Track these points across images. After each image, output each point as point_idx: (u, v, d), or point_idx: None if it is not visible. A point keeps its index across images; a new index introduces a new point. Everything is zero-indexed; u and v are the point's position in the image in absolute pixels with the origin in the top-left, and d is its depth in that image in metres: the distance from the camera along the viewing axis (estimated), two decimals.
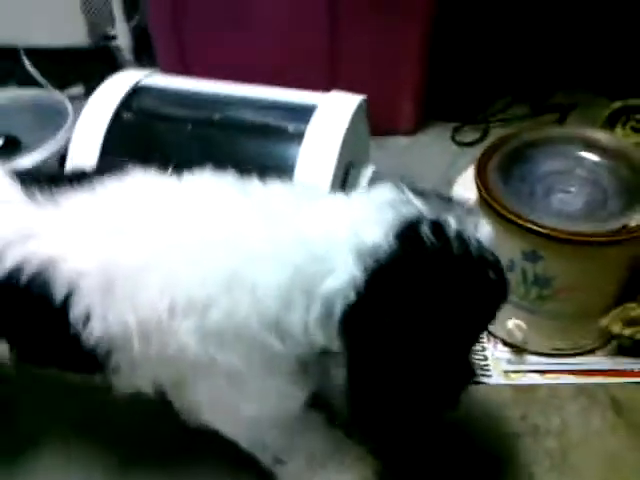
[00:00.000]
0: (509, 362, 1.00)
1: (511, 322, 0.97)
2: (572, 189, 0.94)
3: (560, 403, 0.94)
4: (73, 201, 0.64)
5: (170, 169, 0.68)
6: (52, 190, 0.65)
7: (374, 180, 1.04)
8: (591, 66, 1.68)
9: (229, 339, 0.59)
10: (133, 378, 0.65)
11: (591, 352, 1.00)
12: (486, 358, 1.00)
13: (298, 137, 0.90)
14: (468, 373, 0.65)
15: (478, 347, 1.02)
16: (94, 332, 0.61)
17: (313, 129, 0.89)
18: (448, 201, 0.61)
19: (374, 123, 1.45)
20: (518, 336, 0.97)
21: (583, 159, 0.97)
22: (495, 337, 1.02)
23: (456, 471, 0.86)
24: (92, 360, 0.63)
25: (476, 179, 0.92)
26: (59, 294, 0.61)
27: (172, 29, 1.33)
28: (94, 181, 0.65)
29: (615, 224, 0.85)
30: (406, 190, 0.60)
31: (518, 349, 1.00)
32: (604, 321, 0.94)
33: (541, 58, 1.69)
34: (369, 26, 1.32)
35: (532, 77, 1.66)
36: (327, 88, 1.03)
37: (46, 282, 0.61)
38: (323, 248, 0.58)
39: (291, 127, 0.93)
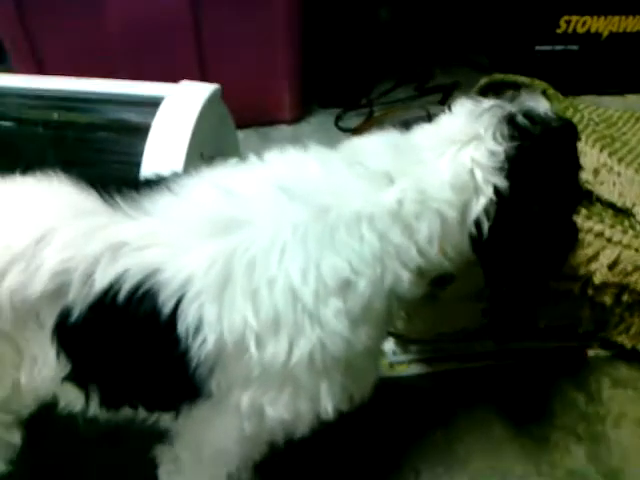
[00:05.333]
0: (394, 354, 0.96)
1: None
2: None
3: (446, 391, 0.92)
4: (159, 205, 0.57)
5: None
6: (131, 196, 0.57)
7: None
8: (469, 43, 1.69)
9: (370, 312, 0.58)
10: (223, 404, 0.59)
11: (474, 336, 0.98)
12: None
13: (145, 130, 0.83)
14: (575, 232, 0.73)
15: None
16: (207, 342, 0.54)
17: (160, 121, 0.82)
18: (508, 98, 0.68)
19: (255, 114, 1.41)
20: (399, 325, 0.94)
21: None
22: None
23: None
24: (188, 387, 0.57)
25: None
26: (166, 305, 0.54)
27: (18, 24, 1.22)
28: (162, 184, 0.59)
29: None
30: (477, 98, 0.67)
31: (402, 339, 0.97)
32: None
33: (421, 39, 1.68)
34: (236, 17, 1.26)
35: (415, 59, 1.65)
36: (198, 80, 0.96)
37: (149, 295, 0.54)
38: (460, 180, 0.61)
39: (139, 120, 0.86)
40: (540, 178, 0.64)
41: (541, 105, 0.68)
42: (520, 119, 0.64)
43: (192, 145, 0.82)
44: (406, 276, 0.60)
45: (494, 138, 0.62)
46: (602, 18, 1.47)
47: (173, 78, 0.95)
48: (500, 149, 0.61)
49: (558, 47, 1.50)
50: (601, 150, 0.92)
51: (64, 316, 0.55)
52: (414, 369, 0.95)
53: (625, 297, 0.89)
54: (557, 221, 0.67)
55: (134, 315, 0.54)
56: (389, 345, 0.96)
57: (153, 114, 0.84)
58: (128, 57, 1.24)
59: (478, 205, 0.62)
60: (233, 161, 0.65)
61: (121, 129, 0.88)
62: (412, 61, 1.64)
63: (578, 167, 0.72)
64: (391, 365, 0.95)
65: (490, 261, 0.66)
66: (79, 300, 0.54)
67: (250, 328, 0.54)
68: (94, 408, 0.61)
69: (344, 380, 0.60)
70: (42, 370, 0.58)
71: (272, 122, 1.45)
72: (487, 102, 0.67)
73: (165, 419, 0.64)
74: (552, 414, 0.90)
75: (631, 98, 1.54)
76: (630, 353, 0.95)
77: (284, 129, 1.47)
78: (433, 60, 1.65)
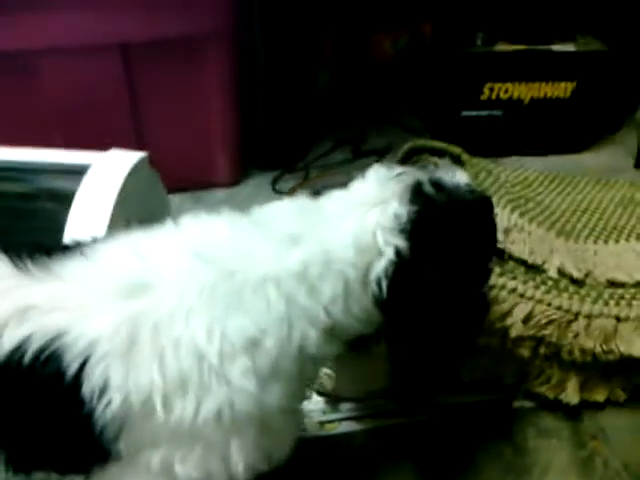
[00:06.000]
0: (324, 412, 0.97)
1: (320, 372, 0.95)
2: None
3: (376, 447, 0.93)
4: (68, 269, 0.58)
5: None
6: (43, 260, 0.59)
7: None
8: (403, 107, 1.78)
9: (279, 370, 0.59)
10: (133, 464, 0.59)
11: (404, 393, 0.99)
12: None
13: (71, 198, 0.84)
14: (485, 304, 0.76)
15: None
16: (112, 403, 0.54)
17: (85, 189, 0.84)
18: (421, 167, 0.71)
19: (192, 178, 1.43)
20: (328, 385, 0.95)
21: None
22: None
23: None
24: (97, 449, 0.57)
25: None
26: (70, 367, 0.54)
27: None
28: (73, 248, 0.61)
29: None
30: (391, 165, 0.69)
31: (331, 398, 0.98)
32: None
33: (357, 102, 1.75)
34: (170, 85, 1.31)
35: (351, 122, 1.72)
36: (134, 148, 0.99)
37: (53, 357, 0.54)
38: (363, 241, 0.63)
39: (65, 188, 0.87)
40: (442, 245, 0.66)
41: (458, 176, 0.70)
42: (426, 187, 0.66)
43: (116, 212, 0.84)
44: (314, 335, 0.61)
45: (399, 202, 0.64)
46: (523, 85, 1.57)
47: (109, 145, 0.98)
48: (403, 212, 0.64)
49: (483, 112, 1.59)
50: (512, 211, 0.97)
51: None
52: (345, 427, 0.95)
53: (542, 349, 0.92)
54: (459, 289, 0.69)
55: (39, 377, 0.55)
56: (319, 404, 0.97)
57: (79, 182, 0.86)
58: (63, 125, 1.25)
59: (379, 265, 0.63)
60: (150, 226, 0.67)
61: (48, 197, 0.90)
62: (348, 124, 1.71)
63: (492, 242, 0.74)
64: (321, 424, 0.95)
65: (388, 320, 0.67)
66: None
67: (157, 388, 0.55)
68: (2, 474, 0.60)
69: (257, 439, 0.60)
70: None
71: (209, 185, 1.48)
72: (399, 169, 0.69)
73: None
74: (479, 467, 0.91)
75: (551, 159, 1.63)
76: (554, 403, 0.98)
77: (218, 192, 1.49)
78: (368, 123, 1.72)
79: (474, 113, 1.58)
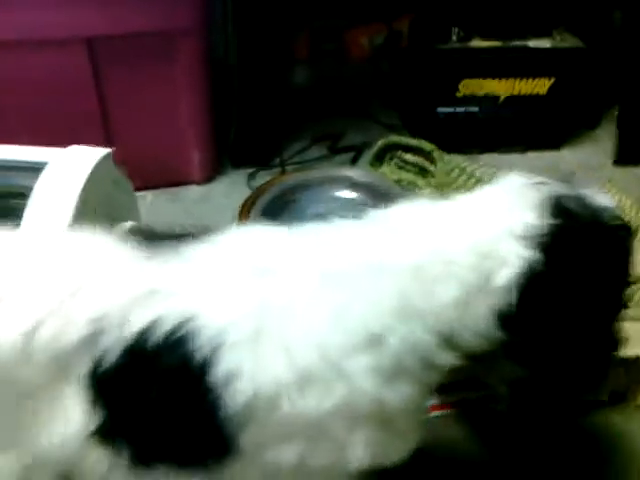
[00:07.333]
0: None
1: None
2: None
3: None
4: (196, 253, 0.58)
5: None
6: (165, 245, 0.58)
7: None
8: (380, 104, 1.76)
9: (402, 372, 0.57)
10: (253, 461, 0.58)
11: None
12: None
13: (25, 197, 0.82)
14: (615, 341, 0.68)
15: None
16: (240, 393, 0.53)
17: (41, 188, 0.81)
18: (564, 181, 0.64)
19: (165, 175, 1.42)
20: None
21: (342, 198, 0.97)
22: None
23: None
24: (218, 441, 0.56)
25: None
26: (199, 353, 0.53)
27: None
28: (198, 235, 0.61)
29: None
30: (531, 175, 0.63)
31: None
32: None
33: (334, 99, 1.74)
34: (140, 82, 1.28)
35: (328, 118, 1.70)
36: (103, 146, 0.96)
37: (181, 341, 0.53)
38: (487, 246, 0.58)
39: (19, 187, 0.85)
40: (581, 265, 0.60)
41: (603, 197, 0.64)
42: (569, 202, 0.61)
43: (78, 210, 0.81)
44: (429, 340, 0.58)
45: (536, 212, 0.59)
46: (499, 81, 1.56)
47: (77, 141, 0.96)
48: (540, 223, 0.58)
49: (459, 109, 1.57)
50: None
51: (96, 364, 0.55)
52: None
53: None
54: (592, 316, 0.63)
55: (166, 361, 0.54)
56: None
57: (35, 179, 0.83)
58: (29, 121, 1.23)
59: (504, 274, 0.58)
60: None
61: (4, 194, 0.87)
62: (325, 121, 1.69)
63: (627, 273, 0.67)
64: None
65: (513, 337, 0.60)
66: (112, 347, 0.54)
67: (283, 381, 0.54)
68: (120, 469, 0.59)
69: (379, 435, 0.59)
70: (66, 427, 0.57)
71: (183, 182, 1.46)
72: (538, 179, 0.64)
73: None
74: None
75: (530, 155, 1.63)
76: None
77: (194, 189, 1.47)
78: (345, 120, 1.70)
79: (450, 110, 1.57)
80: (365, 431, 0.58)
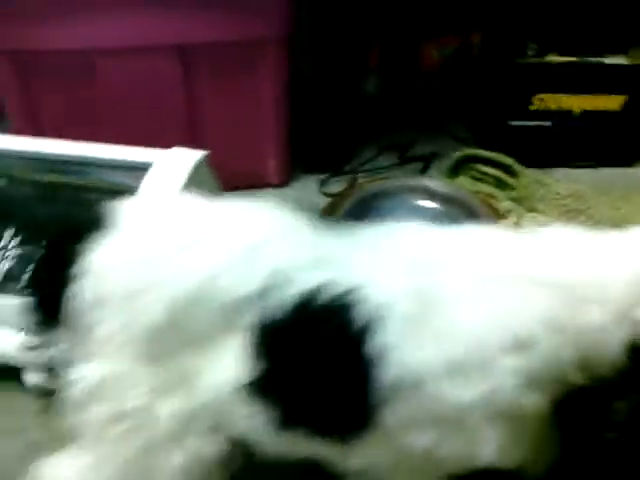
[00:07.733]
0: None
1: None
2: None
3: None
4: (367, 233, 0.62)
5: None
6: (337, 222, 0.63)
7: None
8: (449, 115, 1.78)
9: (540, 381, 0.57)
10: (390, 442, 0.59)
11: None
12: None
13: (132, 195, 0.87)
14: None
15: None
16: (390, 368, 0.55)
17: (147, 187, 0.87)
18: None
19: (243, 178, 1.46)
20: None
21: (423, 208, 0.99)
22: None
23: None
24: (360, 413, 0.58)
25: None
26: (359, 322, 0.56)
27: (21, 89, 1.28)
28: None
29: None
30: None
31: None
32: None
33: (404, 109, 1.76)
34: (225, 88, 1.33)
35: (398, 127, 1.73)
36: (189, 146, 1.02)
37: (344, 307, 0.56)
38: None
39: (126, 185, 0.90)
40: None
41: None
42: None
43: None
44: (569, 356, 0.58)
45: None
46: (573, 96, 1.56)
47: (164, 143, 1.01)
48: None
49: (532, 123, 1.58)
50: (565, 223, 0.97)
51: (263, 319, 0.58)
52: None
53: None
54: None
55: (329, 325, 0.57)
56: None
57: (142, 178, 0.89)
58: (121, 124, 1.29)
59: None
60: None
61: (110, 192, 0.93)
62: (395, 130, 1.72)
63: None
64: None
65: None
66: (281, 304, 0.57)
67: (432, 366, 0.56)
68: (267, 428, 0.60)
69: (511, 437, 0.59)
70: (224, 378, 0.59)
71: (258, 186, 1.51)
72: None
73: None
74: None
75: (602, 171, 1.61)
76: None
77: (267, 192, 1.51)
78: (415, 130, 1.72)
79: (523, 123, 1.58)
80: (499, 430, 0.59)
